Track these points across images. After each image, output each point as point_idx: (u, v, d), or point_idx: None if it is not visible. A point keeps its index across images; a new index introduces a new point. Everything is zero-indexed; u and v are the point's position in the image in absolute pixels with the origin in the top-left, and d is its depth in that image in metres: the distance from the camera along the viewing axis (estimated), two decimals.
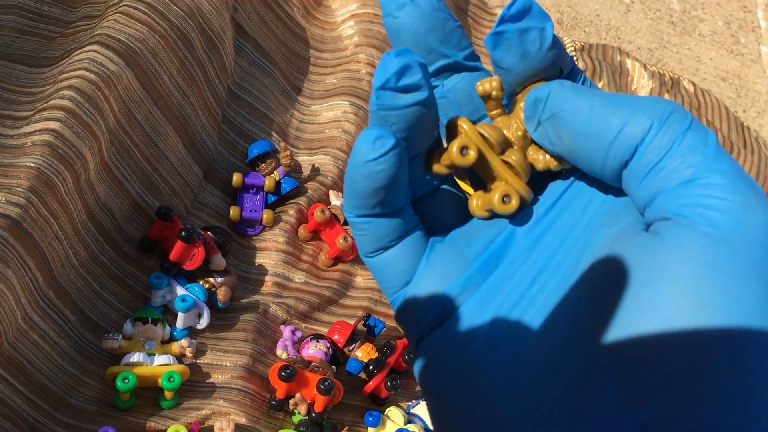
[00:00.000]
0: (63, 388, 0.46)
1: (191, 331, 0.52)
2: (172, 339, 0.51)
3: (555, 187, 0.24)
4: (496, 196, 0.24)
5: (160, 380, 0.48)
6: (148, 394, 0.49)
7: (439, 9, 0.23)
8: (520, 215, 0.24)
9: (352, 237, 0.59)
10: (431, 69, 0.24)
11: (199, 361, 0.51)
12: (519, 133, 0.24)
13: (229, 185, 0.60)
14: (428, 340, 0.23)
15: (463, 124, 0.24)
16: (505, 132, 0.24)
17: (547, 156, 0.23)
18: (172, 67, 0.54)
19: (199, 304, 0.52)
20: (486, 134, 0.23)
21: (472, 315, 0.23)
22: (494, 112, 0.24)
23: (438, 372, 0.22)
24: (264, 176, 0.60)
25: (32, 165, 0.43)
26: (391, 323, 0.60)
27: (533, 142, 0.24)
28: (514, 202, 0.23)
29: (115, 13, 0.51)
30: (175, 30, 0.54)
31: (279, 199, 0.61)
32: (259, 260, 0.58)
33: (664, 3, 1.20)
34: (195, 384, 0.50)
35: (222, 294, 0.53)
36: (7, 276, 0.41)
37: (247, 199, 0.59)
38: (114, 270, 0.51)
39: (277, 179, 0.60)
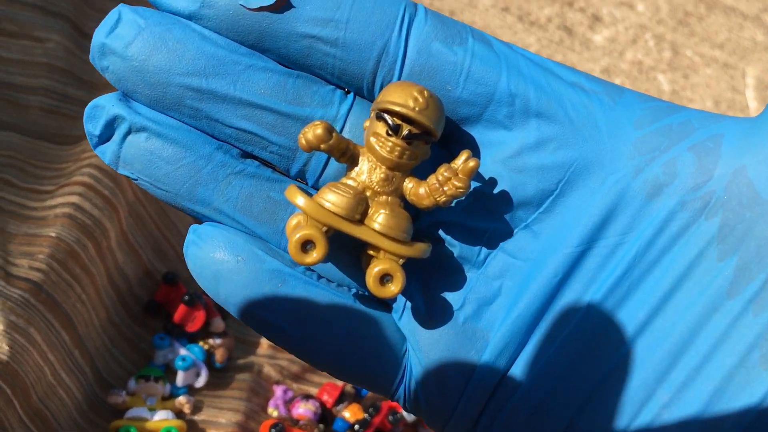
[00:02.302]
0: None
1: (190, 389, 0.56)
2: (171, 395, 0.55)
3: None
4: (371, 280, 0.18)
5: None
6: None
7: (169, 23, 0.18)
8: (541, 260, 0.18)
9: None
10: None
11: (196, 417, 0.55)
12: (381, 175, 0.18)
13: None
14: (489, 422, 0.19)
15: (297, 199, 0.18)
16: (364, 177, 0.18)
17: (434, 185, 0.18)
18: None
19: (198, 363, 0.56)
20: (330, 205, 0.18)
21: (538, 384, 0.18)
22: (343, 159, 0.18)
23: None
24: None
25: (53, 234, 0.48)
26: None
27: (411, 174, 0.18)
28: (397, 282, 0.18)
29: None
30: None
31: None
32: None
33: (654, 84, 1.27)
34: None
35: (220, 354, 0.57)
36: (29, 332, 0.45)
37: None
38: (124, 330, 0.56)
39: None
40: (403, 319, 0.19)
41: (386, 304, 0.20)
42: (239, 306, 0.18)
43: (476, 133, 0.19)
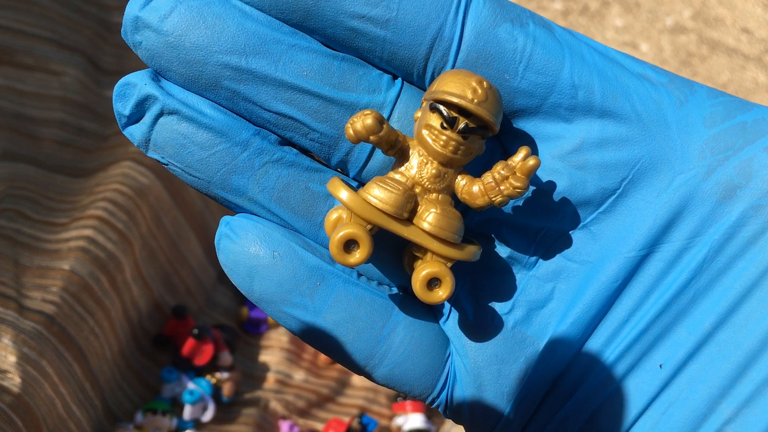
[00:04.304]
0: None
1: (196, 423, 0.56)
2: (178, 429, 0.55)
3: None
4: (418, 284, 0.16)
5: None
6: None
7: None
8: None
9: None
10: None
11: None
12: (433, 171, 0.17)
13: None
14: None
15: (341, 193, 0.16)
16: (414, 173, 0.17)
17: (489, 183, 0.16)
18: None
19: (205, 397, 0.56)
20: (377, 201, 0.16)
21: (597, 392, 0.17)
22: (391, 152, 0.17)
23: None
24: None
25: (67, 267, 0.49)
26: (384, 422, 0.63)
27: (463, 171, 0.17)
28: (446, 287, 0.16)
29: None
30: None
31: None
32: (263, 357, 0.63)
33: None
34: None
35: (227, 388, 0.57)
36: (41, 365, 0.45)
37: None
38: (133, 363, 0.56)
39: None
40: (449, 323, 0.18)
41: (430, 305, 0.18)
42: (274, 304, 0.17)
43: (533, 126, 0.17)
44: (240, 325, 0.64)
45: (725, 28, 1.18)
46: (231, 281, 0.18)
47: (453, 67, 0.17)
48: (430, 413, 0.63)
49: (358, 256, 0.16)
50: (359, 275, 0.18)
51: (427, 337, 0.18)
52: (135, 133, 0.17)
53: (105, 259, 0.51)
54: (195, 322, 0.59)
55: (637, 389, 0.17)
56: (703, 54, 1.17)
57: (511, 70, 0.17)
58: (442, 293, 0.16)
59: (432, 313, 0.18)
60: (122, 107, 0.17)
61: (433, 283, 0.16)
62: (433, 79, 0.17)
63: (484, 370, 0.18)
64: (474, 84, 0.16)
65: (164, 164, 0.18)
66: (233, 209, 0.18)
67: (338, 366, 0.65)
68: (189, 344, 0.56)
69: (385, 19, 0.16)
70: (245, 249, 0.17)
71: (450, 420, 0.63)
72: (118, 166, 0.55)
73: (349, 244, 0.16)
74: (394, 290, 0.18)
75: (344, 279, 0.18)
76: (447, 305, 0.18)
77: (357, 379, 0.66)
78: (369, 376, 0.18)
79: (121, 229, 0.52)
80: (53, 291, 0.48)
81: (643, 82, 0.17)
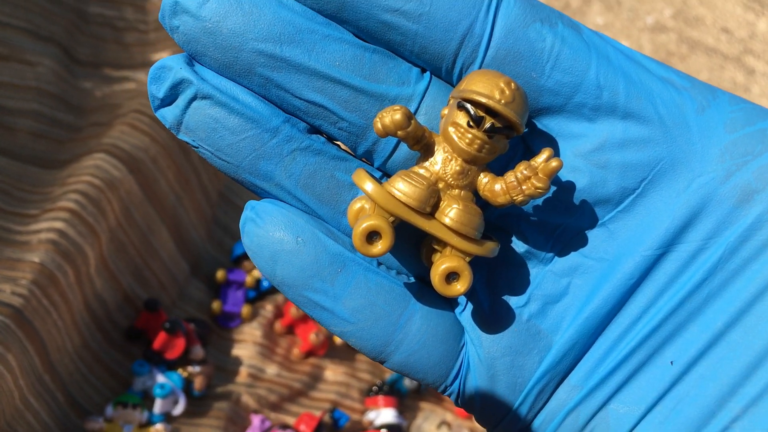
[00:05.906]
0: None
1: (167, 417, 0.56)
2: (149, 423, 0.55)
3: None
4: (437, 278, 0.17)
5: None
6: None
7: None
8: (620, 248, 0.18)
9: (323, 333, 0.64)
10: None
11: None
12: (457, 168, 0.17)
13: (214, 280, 0.65)
14: (544, 425, 0.18)
15: (366, 185, 0.17)
16: (438, 168, 0.17)
17: (512, 182, 0.17)
18: (170, 172, 0.60)
19: (176, 391, 0.56)
20: (401, 194, 0.17)
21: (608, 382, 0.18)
22: (416, 147, 0.17)
23: None
24: (246, 273, 0.65)
25: (37, 260, 0.49)
26: (356, 416, 0.64)
27: (486, 168, 0.18)
28: (464, 281, 0.17)
29: (121, 125, 0.58)
30: (174, 140, 0.60)
31: (258, 294, 0.66)
32: (236, 351, 0.63)
33: None
34: None
35: (199, 382, 0.58)
36: (7, 359, 0.45)
37: (229, 294, 0.65)
38: (101, 356, 0.56)
39: (258, 276, 0.66)
40: (465, 313, 0.19)
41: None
42: (296, 289, 0.18)
43: (557, 124, 0.18)
44: (213, 319, 0.64)
45: (705, 27, 1.19)
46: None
47: (482, 63, 0.17)
48: (402, 408, 0.63)
49: (380, 247, 0.17)
50: (379, 264, 0.19)
51: (443, 327, 0.18)
52: (167, 115, 0.18)
53: (74, 252, 0.51)
54: (167, 315, 0.59)
55: (647, 384, 0.18)
56: (682, 53, 1.18)
57: (539, 68, 0.17)
58: (460, 287, 0.17)
59: (448, 303, 0.19)
60: (156, 90, 0.18)
61: (451, 277, 0.17)
62: (461, 74, 0.18)
63: (498, 360, 0.18)
64: (502, 85, 0.16)
65: (194, 147, 0.18)
66: (260, 194, 0.19)
67: (311, 360, 0.65)
68: (161, 338, 0.56)
69: (418, 14, 0.17)
70: (270, 233, 0.18)
71: (421, 415, 0.63)
72: (91, 158, 0.55)
73: (372, 235, 0.17)
74: (412, 280, 0.19)
75: (364, 267, 0.18)
76: (463, 297, 0.19)
77: (329, 374, 0.66)
78: (384, 363, 0.18)
79: (90, 222, 0.52)
80: (22, 284, 0.48)
81: (666, 85, 0.18)
